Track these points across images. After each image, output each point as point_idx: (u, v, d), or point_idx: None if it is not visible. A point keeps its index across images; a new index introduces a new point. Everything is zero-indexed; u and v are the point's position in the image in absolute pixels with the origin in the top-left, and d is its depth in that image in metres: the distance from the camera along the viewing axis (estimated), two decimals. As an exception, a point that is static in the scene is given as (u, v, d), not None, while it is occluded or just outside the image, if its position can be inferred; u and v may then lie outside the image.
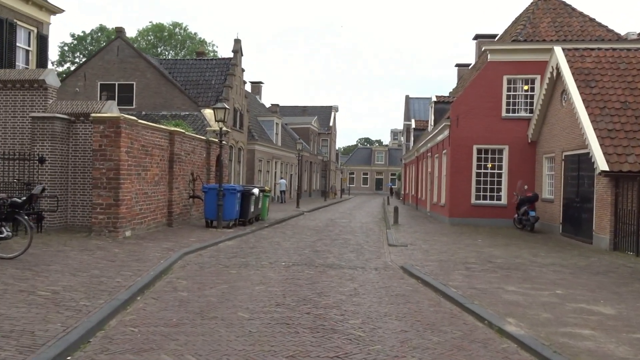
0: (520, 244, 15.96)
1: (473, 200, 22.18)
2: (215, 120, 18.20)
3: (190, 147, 19.80)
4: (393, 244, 15.54)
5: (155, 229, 16.33)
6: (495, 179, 22.28)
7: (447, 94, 36.90)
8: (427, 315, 7.26)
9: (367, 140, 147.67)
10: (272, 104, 53.99)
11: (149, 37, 70.31)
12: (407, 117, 54.09)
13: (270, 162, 40.46)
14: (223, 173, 24.03)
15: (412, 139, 44.63)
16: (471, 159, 22.16)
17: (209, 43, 71.56)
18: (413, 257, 12.87)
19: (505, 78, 21.95)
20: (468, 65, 42.38)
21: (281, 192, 42.07)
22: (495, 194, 22.29)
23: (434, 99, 29.17)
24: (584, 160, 16.92)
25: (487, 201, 22.22)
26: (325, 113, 67.35)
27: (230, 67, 31.30)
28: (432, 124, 29.06)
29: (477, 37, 35.47)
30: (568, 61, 18.10)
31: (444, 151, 24.22)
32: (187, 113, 27.80)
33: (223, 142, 23.52)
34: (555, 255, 13.63)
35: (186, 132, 19.04)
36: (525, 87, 22.15)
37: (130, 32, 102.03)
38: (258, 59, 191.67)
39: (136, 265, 9.92)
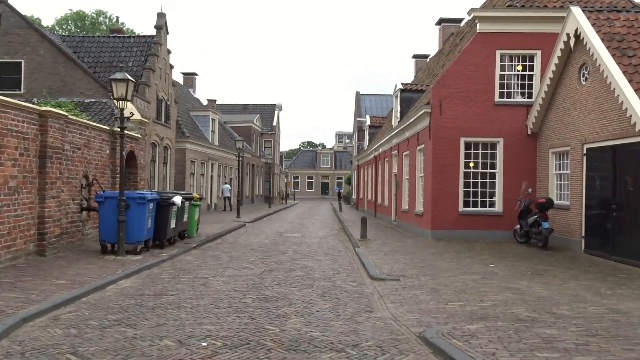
0: (553, 271, 11.32)
1: (461, 208, 17.52)
2: (113, 98, 12.53)
3: (81, 139, 13.99)
4: (377, 277, 10.50)
5: (10, 263, 10.48)
6: (488, 180, 17.74)
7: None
8: None
9: (310, 143, 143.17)
10: (208, 100, 47.99)
11: (69, 27, 62.56)
12: (358, 115, 49.57)
13: (206, 163, 34.63)
14: (138, 176, 18.31)
15: (366, 137, 40.03)
16: (458, 155, 17.52)
17: (138, 34, 64.49)
18: (423, 307, 7.89)
19: (498, 53, 17.48)
20: (426, 56, 38.41)
21: (225, 198, 36.30)
22: (488, 199, 17.74)
23: (400, 86, 24.52)
24: (625, 154, 12.57)
25: (479, 208, 17.63)
26: (268, 112, 61.89)
27: (153, 46, 25.39)
28: (399, 116, 24.40)
29: (441, 21, 31.28)
30: (593, 25, 13.78)
31: (419, 147, 19.52)
32: (93, 100, 21.73)
33: (136, 133, 17.80)
34: (628, 294, 8.99)
35: (70, 116, 13.22)
36: (519, 67, 17.80)
37: (48, 21, 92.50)
38: (196, 60, 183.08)
39: None
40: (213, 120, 36.83)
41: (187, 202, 16.62)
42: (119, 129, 15.18)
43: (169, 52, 27.31)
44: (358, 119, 48.11)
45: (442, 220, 17.45)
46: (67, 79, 22.23)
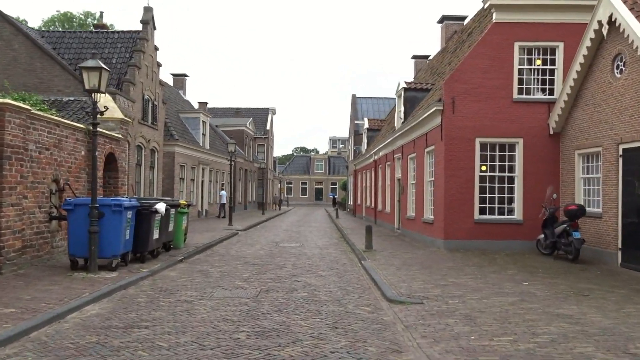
0: (598, 291, 9.68)
1: (477, 215, 15.89)
2: (85, 89, 10.79)
3: (50, 138, 12.23)
4: (396, 299, 8.81)
5: (-48, 285, 8.70)
6: (506, 185, 16.12)
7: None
8: None
9: (303, 149, 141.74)
10: (200, 103, 46.22)
11: (56, 29, 60.79)
12: (354, 118, 47.99)
13: (196, 168, 32.82)
14: (119, 180, 16.55)
15: (364, 141, 38.44)
16: (473, 157, 15.91)
17: (123, 30, 62.76)
18: (464, 344, 6.23)
19: (517, 46, 15.92)
20: (426, 56, 36.95)
21: (221, 205, 34.54)
22: (506, 205, 16.12)
23: (403, 85, 22.93)
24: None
25: (496, 216, 16.00)
26: (261, 115, 60.18)
27: (139, 41, 23.66)
28: (402, 117, 22.78)
29: (443, 19, 29.76)
30: (631, 10, 12.23)
31: (428, 148, 17.90)
32: (72, 98, 19.93)
33: (116, 134, 16.04)
34: None
35: (35, 111, 11.46)
36: (538, 62, 16.26)
37: (35, 23, 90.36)
38: (190, 56, 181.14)
39: None
40: (204, 122, 35.07)
41: (173, 210, 14.88)
42: (100, 130, 13.49)
43: (156, 49, 25.58)
44: (355, 121, 46.54)
45: (456, 229, 15.80)
46: (44, 76, 20.45)
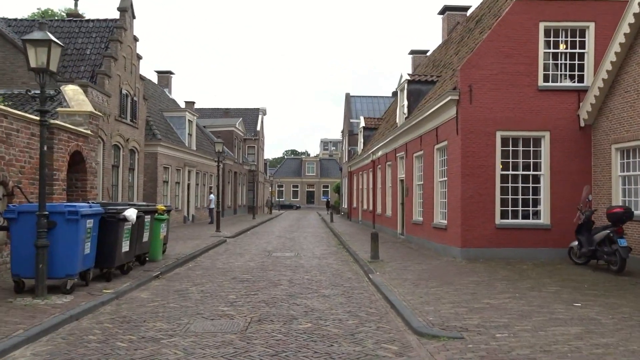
0: (676, 315, 7.73)
1: (498, 220, 13.93)
2: (29, 69, 8.68)
3: (-5, 132, 10.11)
4: (426, 332, 6.79)
5: None
6: (531, 184, 14.18)
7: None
8: None
9: (294, 152, 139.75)
10: (186, 102, 43.95)
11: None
12: (349, 117, 46.02)
13: (181, 170, 30.63)
14: (87, 183, 14.44)
15: (360, 141, 36.48)
16: (494, 153, 13.96)
17: (99, 18, 60.40)
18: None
19: (542, 27, 14.01)
20: (425, 51, 35.12)
21: (210, 210, 32.35)
22: (530, 208, 14.18)
23: (406, 77, 20.97)
24: None
25: (520, 220, 14.05)
26: (251, 116, 58.07)
27: (116, 31, 21.51)
28: (406, 112, 20.82)
29: (445, 9, 27.89)
30: (687, -24, 10.35)
31: (439, 145, 15.93)
32: (38, 92, 17.73)
33: (84, 129, 13.90)
34: None
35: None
36: (562, 46, 14.37)
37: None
38: (182, 51, 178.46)
39: None
40: (190, 122, 32.88)
41: (149, 216, 12.76)
42: (61, 124, 11.48)
43: (135, 39, 23.42)
44: (350, 120, 44.55)
45: (475, 235, 13.82)
46: (6, 67, 18.29)
